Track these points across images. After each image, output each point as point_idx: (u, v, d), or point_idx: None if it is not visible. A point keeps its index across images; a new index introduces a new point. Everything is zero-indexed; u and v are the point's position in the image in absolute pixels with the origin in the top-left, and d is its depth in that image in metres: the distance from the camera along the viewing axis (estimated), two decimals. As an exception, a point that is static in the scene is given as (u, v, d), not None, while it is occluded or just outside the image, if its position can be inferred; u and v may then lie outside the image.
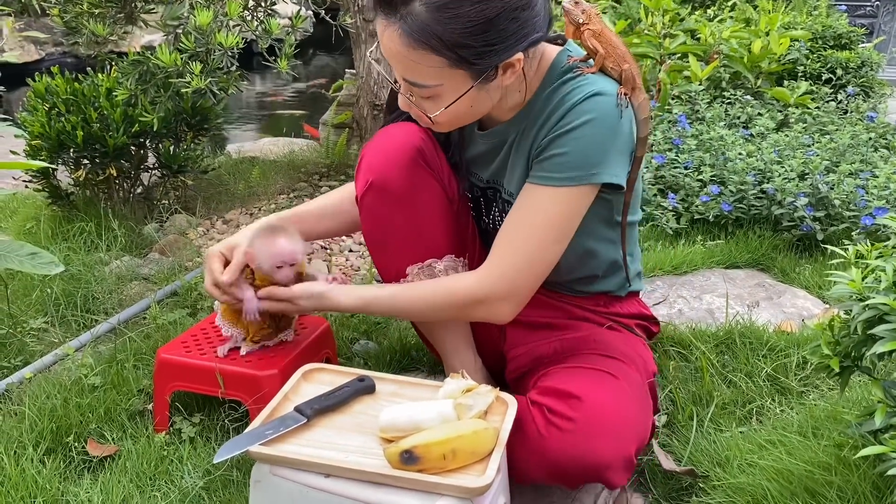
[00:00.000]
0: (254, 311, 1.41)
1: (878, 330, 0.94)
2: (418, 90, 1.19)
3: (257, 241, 1.43)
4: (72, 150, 2.46)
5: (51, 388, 1.56)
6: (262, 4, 1.85)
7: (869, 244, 1.16)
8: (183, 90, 1.74)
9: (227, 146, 3.41)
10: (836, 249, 1.17)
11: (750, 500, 1.18)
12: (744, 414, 1.51)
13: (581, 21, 1.25)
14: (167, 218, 2.65)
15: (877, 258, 1.11)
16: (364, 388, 1.20)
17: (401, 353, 1.77)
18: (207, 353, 1.54)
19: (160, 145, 2.63)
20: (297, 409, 1.13)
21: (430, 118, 1.23)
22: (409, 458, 1.01)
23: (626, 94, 1.22)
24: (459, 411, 1.09)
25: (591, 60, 1.25)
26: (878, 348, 0.93)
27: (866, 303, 0.97)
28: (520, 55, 1.16)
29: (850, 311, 1.04)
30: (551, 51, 1.28)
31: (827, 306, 1.95)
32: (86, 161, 2.52)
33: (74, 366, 1.67)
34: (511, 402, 1.15)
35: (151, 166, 2.73)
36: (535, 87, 1.27)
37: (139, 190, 2.74)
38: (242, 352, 1.51)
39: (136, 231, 2.54)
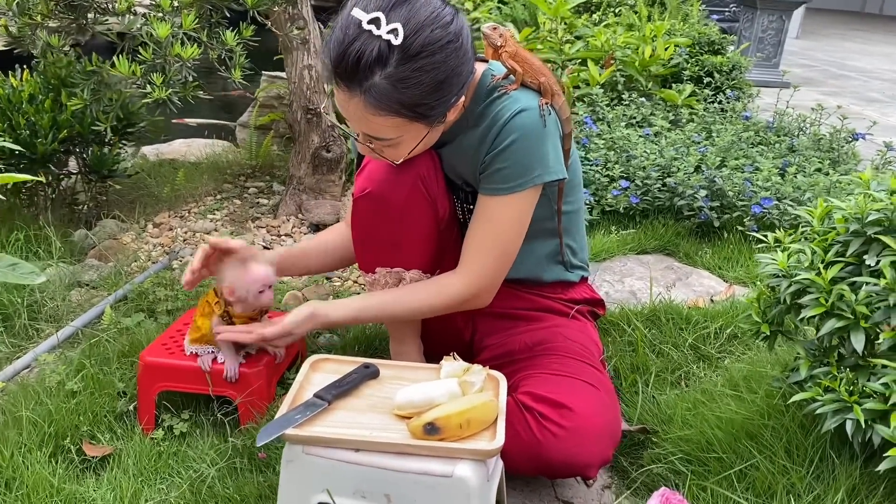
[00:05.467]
0: (234, 375, 1.54)
1: (805, 300, 1.19)
2: (380, 142, 1.34)
3: (230, 275, 1.53)
4: (-4, 157, 2.40)
5: (36, 393, 1.59)
6: (213, 16, 1.92)
7: (783, 231, 1.42)
8: (144, 101, 1.78)
9: (142, 148, 3.37)
10: (759, 235, 1.42)
11: (697, 447, 1.42)
12: (674, 379, 1.76)
13: (498, 44, 1.44)
14: (95, 223, 2.64)
15: (791, 243, 1.37)
16: (370, 374, 1.34)
17: (365, 345, 1.90)
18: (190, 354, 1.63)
19: (87, 150, 2.61)
20: (317, 396, 1.26)
21: (391, 161, 1.39)
22: (431, 429, 1.16)
23: (547, 103, 1.42)
24: (464, 388, 1.25)
25: (511, 77, 1.44)
26: (807, 313, 1.17)
27: (793, 279, 1.22)
28: (463, 97, 1.35)
29: (777, 286, 1.29)
30: (478, 69, 1.46)
31: (728, 284, 2.25)
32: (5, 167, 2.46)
33: (50, 372, 1.69)
34: (501, 378, 1.32)
35: (75, 171, 2.69)
36: (467, 103, 1.45)
37: (60, 195, 2.70)
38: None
39: (66, 237, 2.52)
